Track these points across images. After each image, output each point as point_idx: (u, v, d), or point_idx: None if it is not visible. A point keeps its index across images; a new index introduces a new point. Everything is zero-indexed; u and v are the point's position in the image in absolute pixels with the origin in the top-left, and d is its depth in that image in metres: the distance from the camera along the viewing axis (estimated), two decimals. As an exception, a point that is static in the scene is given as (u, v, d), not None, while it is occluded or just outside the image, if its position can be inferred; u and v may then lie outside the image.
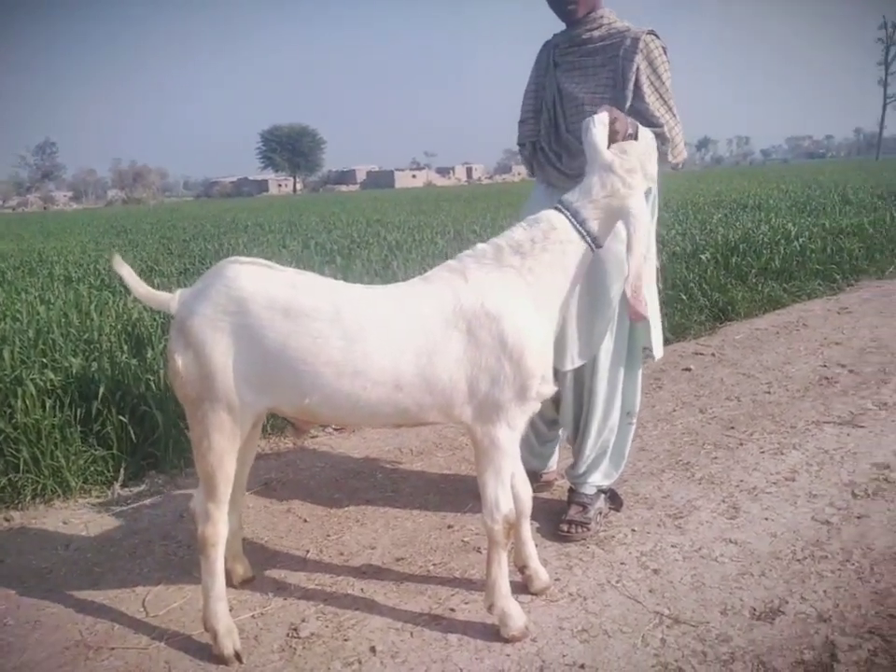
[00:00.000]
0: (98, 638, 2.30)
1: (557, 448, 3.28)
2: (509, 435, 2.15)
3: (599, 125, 2.21)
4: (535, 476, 3.16)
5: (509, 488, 2.20)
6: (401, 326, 2.06)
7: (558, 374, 2.84)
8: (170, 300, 2.15)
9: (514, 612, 2.22)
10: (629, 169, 2.18)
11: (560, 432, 3.16)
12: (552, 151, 2.78)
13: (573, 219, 2.19)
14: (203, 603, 2.21)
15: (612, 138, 2.23)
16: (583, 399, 2.89)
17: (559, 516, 2.90)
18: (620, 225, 2.30)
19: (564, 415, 2.96)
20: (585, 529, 2.81)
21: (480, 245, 2.25)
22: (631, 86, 2.55)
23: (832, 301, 6.73)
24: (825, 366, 4.79)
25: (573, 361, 2.77)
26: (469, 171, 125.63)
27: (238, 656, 2.16)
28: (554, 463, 3.28)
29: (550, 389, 2.22)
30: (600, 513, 2.92)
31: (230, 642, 2.17)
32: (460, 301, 2.08)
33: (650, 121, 2.52)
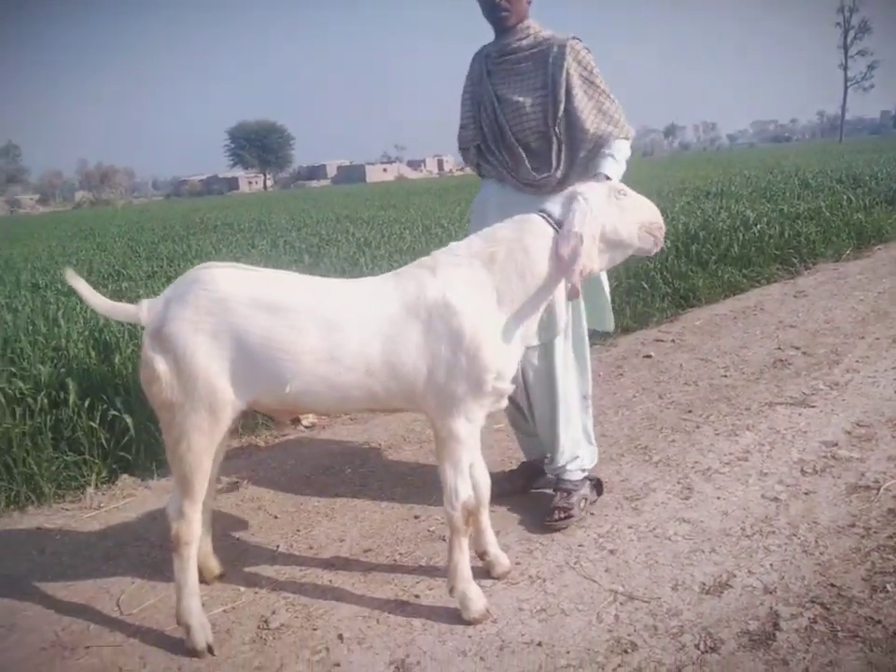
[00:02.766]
0: (74, 638, 2.37)
1: None
2: (466, 427, 2.25)
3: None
4: (540, 472, 3.18)
5: (467, 477, 2.31)
6: (371, 315, 2.18)
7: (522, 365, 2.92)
8: (137, 310, 2.22)
9: (475, 595, 2.33)
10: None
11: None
12: (500, 153, 2.90)
13: (554, 224, 2.28)
14: (176, 599, 2.29)
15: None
16: (531, 392, 2.96)
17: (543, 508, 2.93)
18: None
19: (537, 407, 3.00)
20: (567, 515, 2.86)
21: (454, 243, 2.37)
22: (563, 91, 2.73)
23: (789, 285, 6.92)
24: (780, 349, 4.95)
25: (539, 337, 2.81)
26: (440, 163, 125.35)
27: (210, 649, 2.25)
28: None
29: (507, 386, 2.30)
30: (585, 500, 2.96)
31: (202, 636, 2.25)
32: (424, 293, 2.20)
33: (581, 124, 2.73)
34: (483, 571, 2.57)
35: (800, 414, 3.81)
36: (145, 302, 2.23)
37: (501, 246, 2.26)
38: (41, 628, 2.44)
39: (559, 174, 2.77)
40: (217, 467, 2.53)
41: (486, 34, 2.93)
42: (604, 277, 2.97)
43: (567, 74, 2.72)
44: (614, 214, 2.29)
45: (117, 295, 5.85)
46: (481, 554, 2.58)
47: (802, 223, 8.38)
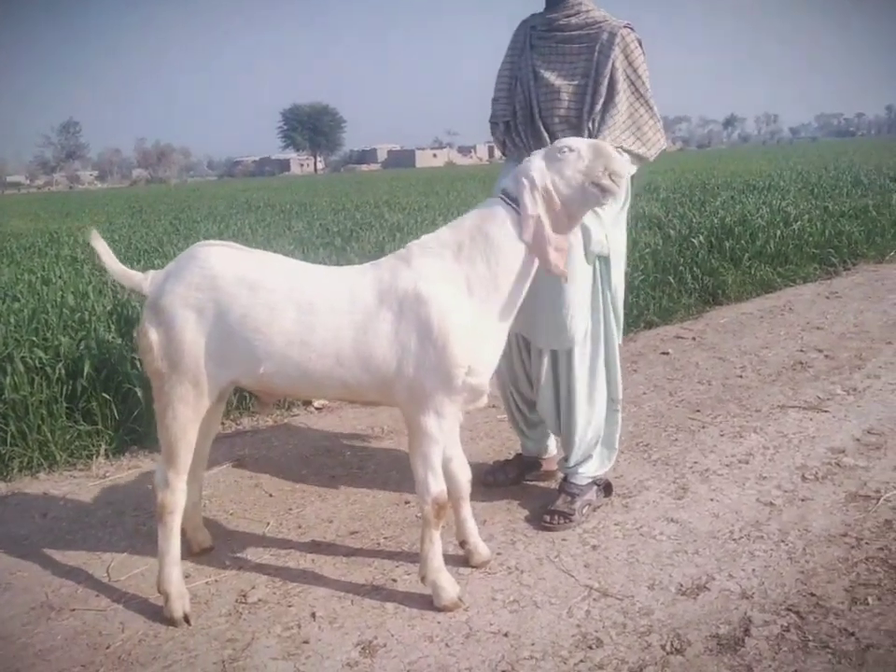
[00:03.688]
0: (61, 600, 2.47)
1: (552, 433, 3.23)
2: (436, 422, 2.24)
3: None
4: (535, 464, 3.22)
5: (438, 471, 2.31)
6: (344, 303, 2.21)
7: (533, 358, 2.91)
8: (142, 280, 2.33)
9: (446, 584, 2.35)
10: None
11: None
12: (525, 136, 2.82)
13: (515, 207, 2.25)
14: (158, 567, 2.37)
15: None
16: (561, 391, 2.89)
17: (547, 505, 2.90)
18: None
19: (543, 409, 2.97)
20: (568, 520, 2.81)
21: (426, 235, 2.36)
22: (606, 82, 2.62)
23: (823, 286, 6.73)
24: (802, 350, 4.83)
25: (549, 343, 2.80)
26: (490, 150, 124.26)
27: (187, 618, 2.32)
28: (554, 448, 3.23)
29: (480, 382, 2.25)
30: (589, 505, 2.89)
31: (180, 605, 2.32)
32: (397, 284, 2.20)
33: (611, 133, 2.61)
34: (463, 559, 2.59)
35: (811, 419, 3.72)
36: (150, 273, 2.35)
37: (465, 235, 2.25)
38: (33, 589, 2.54)
39: None
40: (209, 441, 2.61)
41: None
42: (620, 291, 2.89)
43: (613, 68, 2.61)
44: (556, 175, 2.23)
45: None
46: (461, 542, 2.60)
47: (846, 221, 8.13)
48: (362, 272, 2.31)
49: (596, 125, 2.65)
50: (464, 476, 2.51)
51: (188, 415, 2.27)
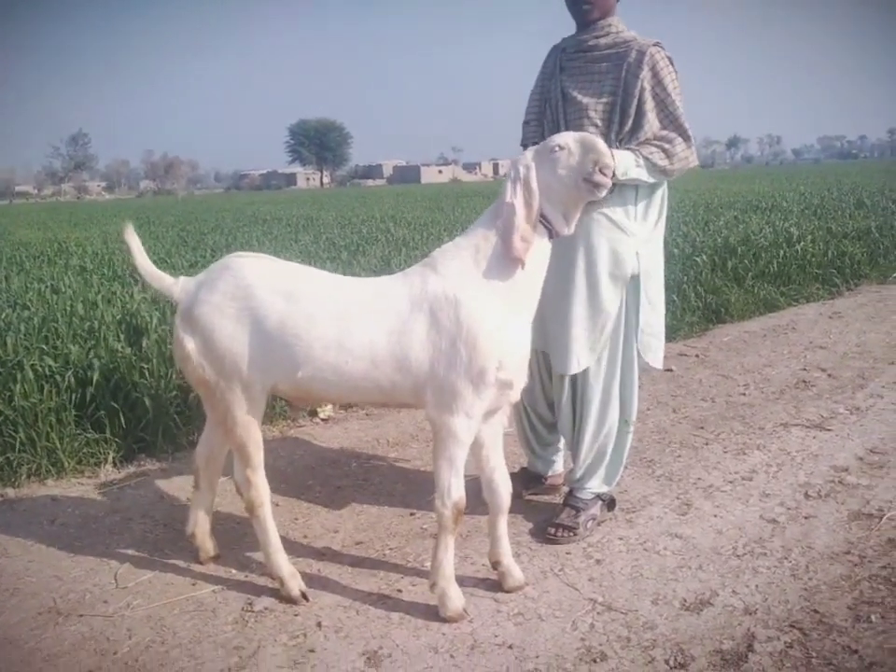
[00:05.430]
0: (69, 606, 2.49)
1: (562, 453, 3.26)
2: (465, 424, 2.27)
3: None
4: (538, 479, 3.23)
5: (462, 476, 2.33)
6: (378, 308, 2.29)
7: (554, 379, 2.93)
8: (172, 284, 2.44)
9: (453, 594, 2.36)
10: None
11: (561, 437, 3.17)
12: None
13: None
14: (265, 557, 2.53)
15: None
16: (576, 408, 2.91)
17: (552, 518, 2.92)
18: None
19: (561, 421, 2.98)
20: (572, 534, 2.82)
21: (447, 243, 2.43)
22: (635, 102, 2.61)
23: (826, 306, 6.77)
24: (805, 369, 4.85)
25: (579, 364, 2.79)
26: (495, 167, 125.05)
27: (304, 595, 2.47)
28: (560, 467, 3.26)
29: (511, 377, 2.29)
30: (593, 519, 2.90)
31: (295, 584, 2.48)
32: (426, 288, 2.28)
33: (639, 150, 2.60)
34: (496, 584, 2.53)
35: (814, 437, 3.74)
36: (180, 280, 2.46)
37: (480, 237, 2.32)
38: (41, 594, 2.56)
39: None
40: (225, 451, 2.65)
41: (545, 37, 2.84)
42: (655, 309, 2.85)
43: (641, 88, 2.60)
44: (548, 171, 2.27)
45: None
46: (493, 564, 2.54)
47: (848, 242, 8.17)
48: (394, 279, 2.40)
49: (624, 144, 2.64)
50: (505, 489, 2.50)
51: (246, 418, 2.39)
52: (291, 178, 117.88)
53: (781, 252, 7.36)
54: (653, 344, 2.87)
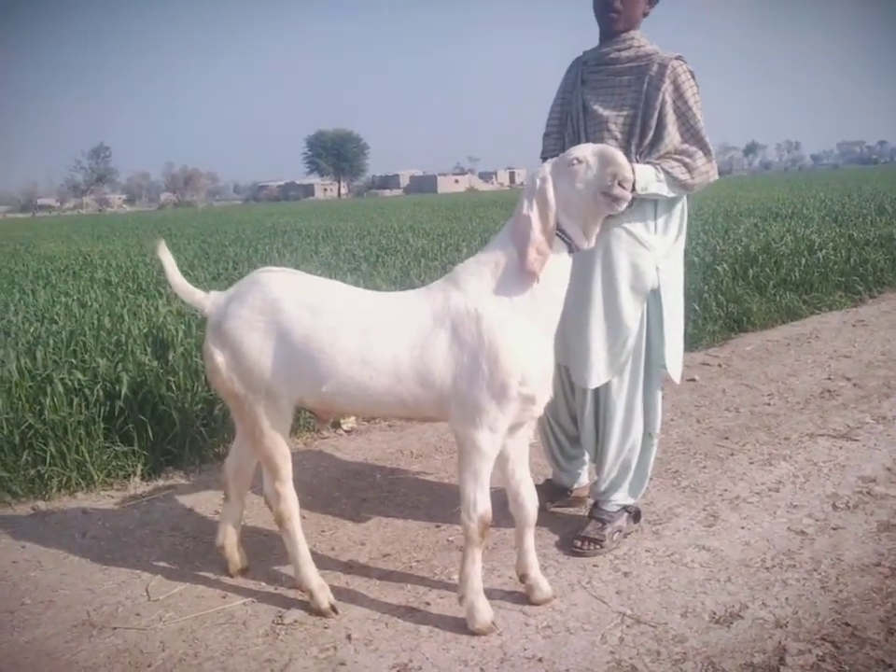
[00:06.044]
0: (103, 618, 2.53)
1: (587, 465, 3.25)
2: (489, 438, 2.29)
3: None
4: (564, 491, 3.24)
5: (487, 489, 2.34)
6: (401, 323, 2.31)
7: (577, 393, 2.93)
8: (203, 298, 2.50)
9: (482, 607, 2.37)
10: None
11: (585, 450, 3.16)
12: None
13: None
14: (294, 570, 2.55)
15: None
16: (599, 421, 2.91)
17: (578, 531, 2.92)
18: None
19: (584, 435, 2.99)
20: (599, 546, 2.82)
21: (469, 259, 2.45)
22: (656, 115, 2.61)
23: (850, 314, 6.71)
24: (830, 378, 4.82)
25: (599, 378, 2.80)
26: (511, 175, 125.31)
27: (334, 608, 2.49)
28: (585, 479, 3.26)
29: (534, 392, 2.29)
30: (619, 531, 2.90)
31: (324, 596, 2.50)
32: (448, 304, 2.29)
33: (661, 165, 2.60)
34: (524, 597, 2.54)
35: (840, 448, 3.71)
36: (211, 294, 2.51)
37: (500, 252, 2.33)
38: (75, 606, 2.60)
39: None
40: (254, 462, 2.68)
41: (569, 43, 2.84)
42: (675, 323, 2.85)
43: (662, 101, 2.60)
44: (566, 184, 2.26)
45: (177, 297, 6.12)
46: (521, 577, 2.55)
47: (871, 250, 8.10)
48: (417, 295, 2.42)
49: (644, 157, 2.64)
50: (532, 502, 2.50)
51: (274, 430, 2.42)
52: (309, 189, 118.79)
53: (803, 260, 7.32)
54: (673, 358, 2.87)
